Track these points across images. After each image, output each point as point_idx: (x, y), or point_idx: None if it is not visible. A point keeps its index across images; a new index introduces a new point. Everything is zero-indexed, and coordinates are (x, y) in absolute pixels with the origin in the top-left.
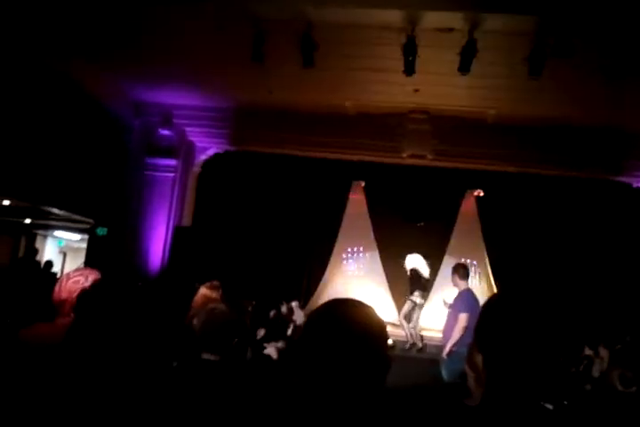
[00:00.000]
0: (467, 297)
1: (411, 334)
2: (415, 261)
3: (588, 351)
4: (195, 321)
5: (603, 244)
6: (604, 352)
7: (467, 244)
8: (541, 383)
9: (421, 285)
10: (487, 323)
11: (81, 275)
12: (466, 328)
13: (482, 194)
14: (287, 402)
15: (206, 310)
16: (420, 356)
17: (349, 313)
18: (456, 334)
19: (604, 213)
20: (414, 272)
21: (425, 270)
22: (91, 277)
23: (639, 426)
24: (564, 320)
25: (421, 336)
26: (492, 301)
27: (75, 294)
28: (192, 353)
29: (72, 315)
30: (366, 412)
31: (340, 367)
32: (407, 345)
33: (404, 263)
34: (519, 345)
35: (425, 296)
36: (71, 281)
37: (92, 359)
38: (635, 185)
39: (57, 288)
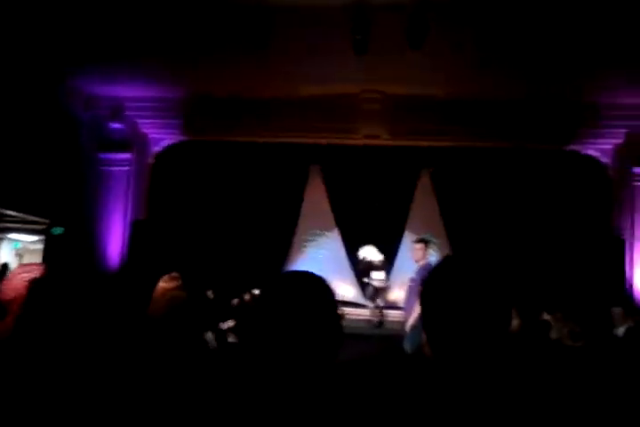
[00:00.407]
0: (427, 271)
1: (375, 314)
2: (366, 252)
3: (545, 316)
4: (155, 312)
5: (554, 211)
6: (559, 316)
7: (425, 220)
8: (485, 344)
9: (378, 267)
10: (431, 285)
11: (27, 271)
12: None
13: (433, 170)
14: (242, 379)
15: (165, 299)
16: (386, 333)
17: (299, 285)
18: (418, 307)
19: (554, 181)
20: (366, 261)
21: (376, 257)
22: (37, 272)
23: (586, 377)
24: (515, 286)
25: (382, 314)
26: (437, 265)
27: (23, 291)
28: (154, 343)
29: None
30: (318, 385)
31: (289, 339)
32: (373, 324)
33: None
34: (460, 308)
35: (386, 278)
36: (17, 278)
37: (42, 352)
38: (584, 152)
39: (3, 287)
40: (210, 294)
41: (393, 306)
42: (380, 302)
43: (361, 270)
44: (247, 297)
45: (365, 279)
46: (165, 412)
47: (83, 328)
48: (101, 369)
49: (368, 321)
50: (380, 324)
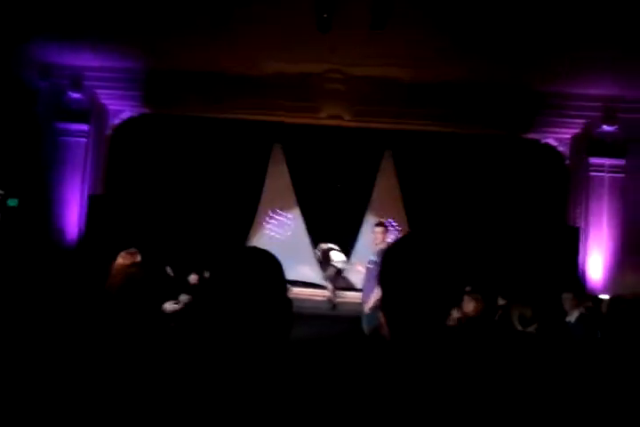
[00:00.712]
0: None
1: (335, 295)
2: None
3: (501, 302)
4: (112, 288)
5: (512, 198)
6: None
7: (386, 202)
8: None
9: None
10: (386, 264)
11: None
12: None
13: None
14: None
15: (123, 275)
16: (344, 313)
17: (250, 261)
18: (377, 289)
19: (513, 168)
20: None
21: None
22: None
23: (535, 362)
24: (470, 270)
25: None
26: (392, 244)
27: None
28: (112, 318)
29: None
30: (272, 362)
31: (239, 315)
32: (329, 306)
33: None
34: (415, 284)
35: (346, 261)
36: None
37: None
38: (542, 141)
39: None
40: (169, 270)
41: (351, 288)
42: (339, 283)
43: (321, 252)
44: (207, 274)
45: (330, 262)
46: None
47: (41, 302)
48: (60, 342)
49: (327, 302)
50: (334, 306)
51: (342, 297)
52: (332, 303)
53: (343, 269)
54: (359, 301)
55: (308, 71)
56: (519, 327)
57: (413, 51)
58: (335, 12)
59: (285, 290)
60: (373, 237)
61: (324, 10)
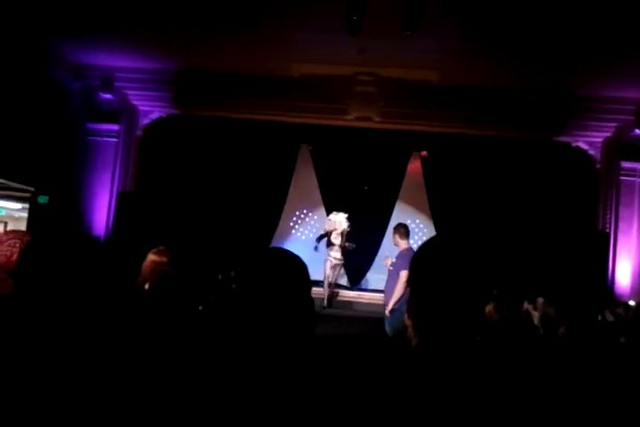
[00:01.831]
0: (408, 256)
1: (329, 292)
2: (336, 217)
3: (527, 305)
4: (146, 286)
5: (541, 202)
6: (540, 303)
7: (412, 205)
8: (468, 326)
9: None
10: (416, 267)
11: (14, 237)
12: (407, 285)
13: (426, 155)
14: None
15: (154, 273)
16: (362, 315)
17: (275, 263)
18: (398, 291)
19: (543, 172)
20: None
21: (342, 225)
22: (25, 238)
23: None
24: (497, 272)
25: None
26: (421, 247)
27: (12, 258)
28: (144, 317)
29: (9, 281)
30: (294, 362)
31: (263, 316)
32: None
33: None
34: (444, 288)
35: (342, 257)
36: (5, 244)
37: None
38: (573, 144)
39: None
40: (199, 272)
41: (370, 289)
42: (334, 278)
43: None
44: (233, 273)
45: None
46: (150, 384)
47: (74, 296)
48: (92, 340)
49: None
50: (330, 304)
51: (337, 295)
52: (323, 302)
53: (338, 265)
54: (379, 302)
55: (338, 73)
56: (541, 330)
57: (444, 53)
58: (365, 14)
59: (309, 290)
60: (393, 239)
61: (354, 12)
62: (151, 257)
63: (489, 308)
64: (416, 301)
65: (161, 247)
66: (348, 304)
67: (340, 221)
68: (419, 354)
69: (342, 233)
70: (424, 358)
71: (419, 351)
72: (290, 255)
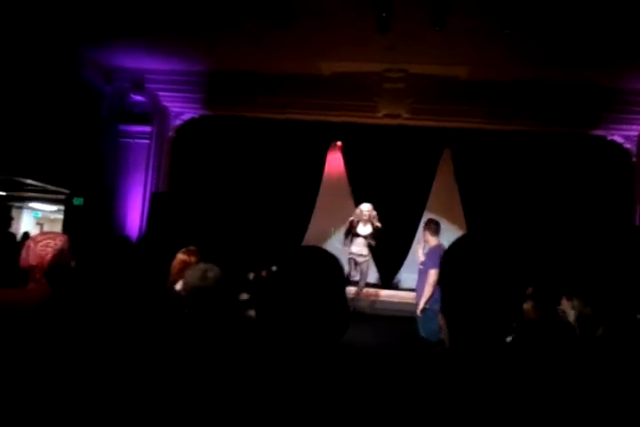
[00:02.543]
0: (437, 253)
1: (356, 294)
2: (361, 211)
3: (564, 303)
4: (178, 286)
5: (576, 197)
6: (576, 302)
7: (444, 201)
8: (502, 326)
9: (359, 238)
10: (447, 266)
11: (49, 238)
12: (437, 284)
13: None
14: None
15: (196, 271)
16: (398, 314)
17: (311, 262)
18: (427, 290)
19: (578, 166)
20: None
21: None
22: (59, 239)
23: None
24: (532, 270)
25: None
26: (451, 246)
27: (47, 258)
28: (176, 317)
29: (43, 281)
30: (324, 363)
31: (299, 314)
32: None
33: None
34: (477, 287)
35: (368, 253)
36: (40, 245)
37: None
38: (609, 137)
39: (24, 253)
40: (231, 272)
41: (404, 288)
42: (358, 278)
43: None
44: (264, 273)
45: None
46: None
47: (109, 296)
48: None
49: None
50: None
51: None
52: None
53: (363, 262)
54: (410, 301)
55: (367, 70)
56: (578, 330)
57: (472, 48)
58: (394, 12)
59: (344, 289)
60: (423, 235)
61: (382, 9)
62: (180, 257)
63: (527, 306)
64: (447, 301)
65: (191, 247)
66: (381, 303)
67: (366, 209)
68: (452, 355)
69: (370, 221)
70: (457, 359)
71: (452, 352)
72: (324, 253)
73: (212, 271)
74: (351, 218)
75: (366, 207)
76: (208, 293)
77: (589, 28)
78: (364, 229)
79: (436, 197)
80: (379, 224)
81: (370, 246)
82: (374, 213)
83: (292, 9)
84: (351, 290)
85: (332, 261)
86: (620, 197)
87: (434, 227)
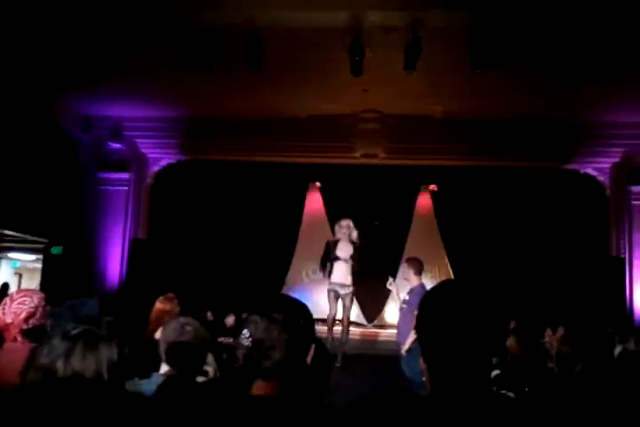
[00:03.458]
0: (421, 293)
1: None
2: (340, 229)
3: (548, 335)
4: (157, 335)
5: (553, 230)
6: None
7: (424, 239)
8: (482, 371)
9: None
10: (424, 313)
11: (25, 296)
12: None
13: (436, 189)
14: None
15: (176, 325)
16: (381, 353)
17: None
18: (415, 331)
19: (553, 200)
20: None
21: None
22: (36, 297)
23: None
24: (514, 307)
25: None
26: (430, 291)
27: (21, 317)
28: (151, 367)
29: (20, 339)
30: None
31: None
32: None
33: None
34: (455, 333)
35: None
36: (16, 303)
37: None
38: (582, 171)
39: (0, 311)
40: (209, 315)
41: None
42: (342, 316)
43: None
44: (245, 316)
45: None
46: None
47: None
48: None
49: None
50: (341, 354)
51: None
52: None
53: (344, 293)
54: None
55: (343, 112)
56: (556, 369)
57: (445, 88)
58: (367, 55)
59: (312, 333)
60: (405, 273)
61: (355, 53)
62: (158, 305)
63: (510, 342)
64: (426, 346)
65: (169, 295)
66: (367, 343)
67: (345, 225)
68: (433, 401)
69: (352, 241)
70: (438, 406)
71: (433, 398)
72: (289, 300)
73: (191, 325)
74: (328, 240)
75: (345, 223)
76: (186, 347)
77: (556, 64)
78: (345, 250)
79: (416, 234)
80: (357, 241)
81: (353, 273)
82: (355, 231)
83: (266, 53)
84: (335, 332)
85: (296, 305)
86: (596, 228)
87: (419, 265)
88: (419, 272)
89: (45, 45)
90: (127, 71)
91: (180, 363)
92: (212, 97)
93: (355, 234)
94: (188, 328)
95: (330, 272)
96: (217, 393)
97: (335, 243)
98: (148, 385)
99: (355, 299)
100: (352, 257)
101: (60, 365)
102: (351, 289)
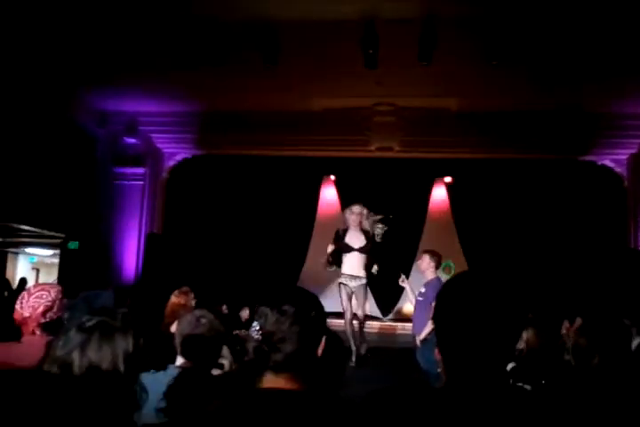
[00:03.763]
0: (437, 285)
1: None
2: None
3: (565, 327)
4: (173, 328)
5: (570, 222)
6: (576, 328)
7: (440, 231)
8: (498, 363)
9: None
10: (442, 304)
11: (43, 290)
12: None
13: (450, 181)
14: None
15: (191, 318)
16: (398, 345)
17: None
18: (431, 322)
19: (571, 192)
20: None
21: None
22: (53, 290)
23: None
24: (531, 299)
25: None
26: (448, 281)
27: (39, 310)
28: (167, 359)
29: (38, 333)
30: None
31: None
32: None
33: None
34: (472, 325)
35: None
36: (33, 297)
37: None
38: (599, 162)
39: (18, 306)
40: (224, 308)
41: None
42: (355, 307)
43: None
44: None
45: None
46: None
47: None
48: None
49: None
50: (360, 358)
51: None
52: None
53: (354, 285)
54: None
55: (357, 105)
56: (573, 361)
57: (461, 80)
58: (380, 48)
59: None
60: (421, 265)
61: (369, 46)
62: (172, 299)
63: (529, 335)
64: (442, 337)
65: (183, 288)
66: (383, 336)
67: (358, 211)
68: (447, 393)
69: (364, 229)
70: (452, 398)
71: (448, 390)
72: (300, 291)
73: (205, 318)
74: (338, 228)
75: (358, 209)
76: (201, 340)
77: (572, 55)
78: (358, 239)
79: (432, 227)
80: (378, 230)
81: (367, 268)
82: (370, 217)
83: (281, 48)
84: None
85: (310, 297)
86: (615, 220)
87: (438, 259)
88: (438, 265)
89: (61, 41)
90: (142, 66)
91: (194, 355)
92: (227, 92)
93: (367, 223)
94: (203, 321)
95: (340, 263)
96: (231, 386)
97: (345, 231)
98: (164, 377)
99: (369, 292)
100: (364, 248)
101: (75, 356)
102: (363, 281)
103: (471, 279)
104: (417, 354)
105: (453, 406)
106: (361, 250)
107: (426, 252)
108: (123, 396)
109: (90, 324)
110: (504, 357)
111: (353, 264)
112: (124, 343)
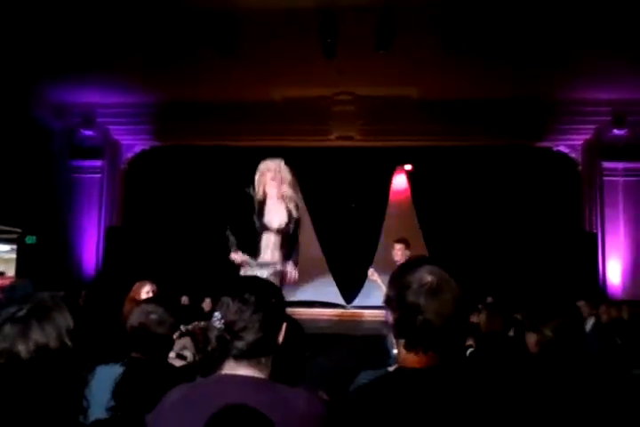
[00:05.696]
0: None
1: None
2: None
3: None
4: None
5: (527, 207)
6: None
7: (401, 219)
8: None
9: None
10: (391, 286)
11: None
12: None
13: (410, 168)
14: None
15: (139, 311)
16: (367, 332)
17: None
18: None
19: (527, 177)
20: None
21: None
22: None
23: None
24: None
25: None
26: (401, 265)
27: None
28: (123, 352)
29: None
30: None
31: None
32: None
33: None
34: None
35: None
36: None
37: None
38: (554, 148)
39: None
40: (184, 299)
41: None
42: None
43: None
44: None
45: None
46: None
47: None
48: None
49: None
50: None
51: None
52: None
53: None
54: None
55: (317, 95)
56: (534, 349)
57: (419, 69)
58: (339, 37)
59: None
60: (393, 254)
61: (327, 35)
62: (134, 290)
63: (481, 318)
64: (395, 319)
65: (144, 280)
66: (346, 323)
67: (273, 167)
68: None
69: (282, 195)
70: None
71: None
72: (259, 280)
73: (154, 310)
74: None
75: (273, 164)
76: (148, 332)
77: (526, 43)
78: (275, 214)
79: (393, 215)
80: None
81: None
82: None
83: (238, 37)
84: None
85: (271, 289)
86: (570, 204)
87: (403, 246)
88: (405, 251)
89: (15, 33)
90: (98, 57)
91: (143, 348)
92: (184, 82)
93: (287, 188)
94: (152, 313)
95: (251, 249)
96: (190, 376)
97: (261, 204)
98: (121, 369)
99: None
100: (283, 229)
101: (19, 344)
102: (277, 268)
103: (421, 262)
104: (387, 342)
105: (405, 387)
106: (279, 231)
107: (398, 241)
108: (76, 372)
109: (22, 313)
110: (455, 336)
111: (266, 249)
112: (64, 320)
